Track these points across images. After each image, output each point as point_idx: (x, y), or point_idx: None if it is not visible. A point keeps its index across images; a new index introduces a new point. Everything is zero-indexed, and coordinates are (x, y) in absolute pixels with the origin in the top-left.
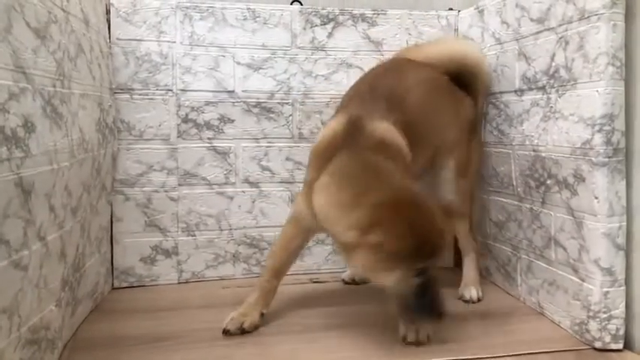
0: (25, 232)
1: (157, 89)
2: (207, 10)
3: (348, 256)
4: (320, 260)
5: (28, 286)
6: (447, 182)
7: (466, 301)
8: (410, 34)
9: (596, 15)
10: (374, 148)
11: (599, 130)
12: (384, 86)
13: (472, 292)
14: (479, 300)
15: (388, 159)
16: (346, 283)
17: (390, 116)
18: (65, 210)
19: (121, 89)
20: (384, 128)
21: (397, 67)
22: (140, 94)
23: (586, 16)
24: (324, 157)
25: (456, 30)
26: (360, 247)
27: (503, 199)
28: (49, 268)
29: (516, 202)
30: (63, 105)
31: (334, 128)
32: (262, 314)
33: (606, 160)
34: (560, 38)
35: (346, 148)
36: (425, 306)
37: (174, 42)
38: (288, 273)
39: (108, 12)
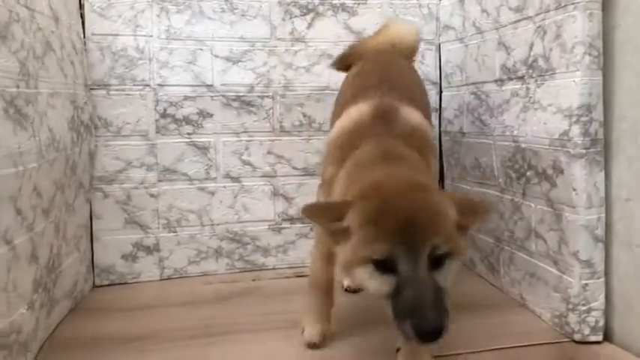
0: None
1: (134, 84)
2: (184, 2)
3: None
4: (304, 254)
5: None
6: None
7: None
8: None
9: (573, 4)
10: (406, 138)
11: (577, 121)
12: (394, 79)
13: None
14: None
15: (414, 150)
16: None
17: (417, 106)
18: (35, 211)
19: (97, 85)
20: (418, 117)
21: (390, 61)
22: (117, 90)
23: (562, 4)
24: (346, 148)
25: (438, 19)
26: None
27: (485, 190)
28: (19, 272)
29: (498, 193)
30: (29, 105)
31: (359, 114)
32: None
33: (584, 151)
34: (538, 27)
35: (374, 136)
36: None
37: (151, 36)
38: (272, 268)
39: (82, 7)
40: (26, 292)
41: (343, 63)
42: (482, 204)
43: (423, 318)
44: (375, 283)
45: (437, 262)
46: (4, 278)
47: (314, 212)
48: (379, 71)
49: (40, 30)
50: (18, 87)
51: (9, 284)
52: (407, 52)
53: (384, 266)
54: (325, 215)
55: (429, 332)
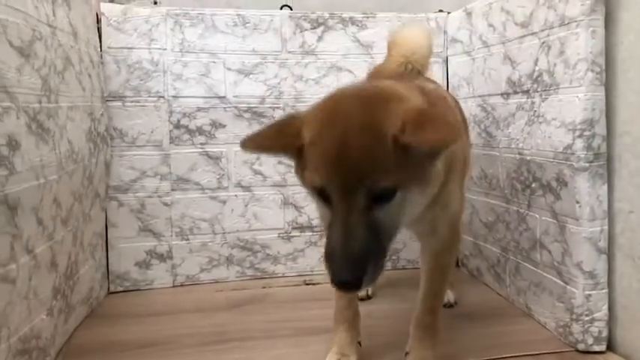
0: (12, 246)
1: (149, 96)
2: (197, 16)
3: None
4: (313, 262)
5: (17, 298)
6: None
7: None
8: None
9: (576, 22)
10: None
11: (580, 136)
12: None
13: None
14: None
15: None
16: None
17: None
18: (55, 221)
19: (113, 97)
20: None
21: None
22: (132, 102)
23: (566, 22)
24: None
25: (445, 32)
26: None
27: (491, 201)
28: (39, 279)
29: (504, 204)
30: (50, 120)
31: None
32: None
33: (587, 165)
34: (543, 43)
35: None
36: None
37: (165, 49)
38: (281, 275)
39: (98, 21)
40: (46, 298)
41: None
42: (445, 125)
43: (335, 268)
44: (322, 212)
45: (381, 197)
46: (25, 286)
47: (260, 138)
48: None
49: (60, 46)
50: (40, 102)
51: (30, 291)
52: (422, 61)
53: (324, 196)
54: (277, 138)
55: (342, 283)
